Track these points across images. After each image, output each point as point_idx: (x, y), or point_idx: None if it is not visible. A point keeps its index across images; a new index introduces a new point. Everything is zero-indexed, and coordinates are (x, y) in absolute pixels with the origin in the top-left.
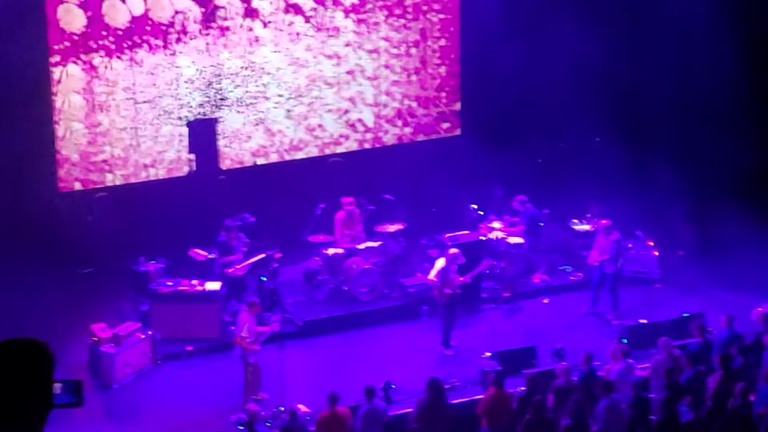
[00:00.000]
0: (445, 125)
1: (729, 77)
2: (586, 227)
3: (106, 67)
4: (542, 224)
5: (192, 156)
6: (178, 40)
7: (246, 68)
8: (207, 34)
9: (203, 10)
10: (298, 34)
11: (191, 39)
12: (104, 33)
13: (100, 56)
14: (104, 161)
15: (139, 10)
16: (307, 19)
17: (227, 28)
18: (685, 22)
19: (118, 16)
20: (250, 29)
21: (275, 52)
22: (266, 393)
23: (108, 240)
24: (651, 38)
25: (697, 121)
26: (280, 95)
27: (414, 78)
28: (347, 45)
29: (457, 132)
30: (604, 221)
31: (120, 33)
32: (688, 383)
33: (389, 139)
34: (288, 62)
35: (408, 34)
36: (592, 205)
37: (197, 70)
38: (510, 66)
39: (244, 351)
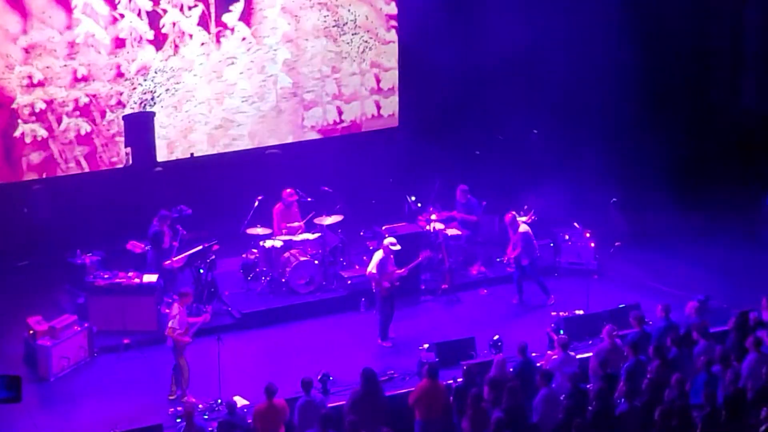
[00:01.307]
0: (383, 117)
1: (663, 71)
2: (523, 219)
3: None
4: (477, 216)
5: (128, 150)
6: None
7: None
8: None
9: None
10: (232, 29)
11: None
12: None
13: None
14: (39, 151)
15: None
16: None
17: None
18: (620, 16)
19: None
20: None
21: (205, 43)
22: (195, 391)
23: (44, 232)
24: (586, 31)
25: (633, 113)
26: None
27: (352, 69)
28: (283, 34)
29: (395, 124)
30: (507, 215)
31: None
32: (629, 373)
33: (323, 130)
34: (223, 52)
35: (346, 23)
36: (530, 197)
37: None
38: (448, 57)
39: (175, 343)
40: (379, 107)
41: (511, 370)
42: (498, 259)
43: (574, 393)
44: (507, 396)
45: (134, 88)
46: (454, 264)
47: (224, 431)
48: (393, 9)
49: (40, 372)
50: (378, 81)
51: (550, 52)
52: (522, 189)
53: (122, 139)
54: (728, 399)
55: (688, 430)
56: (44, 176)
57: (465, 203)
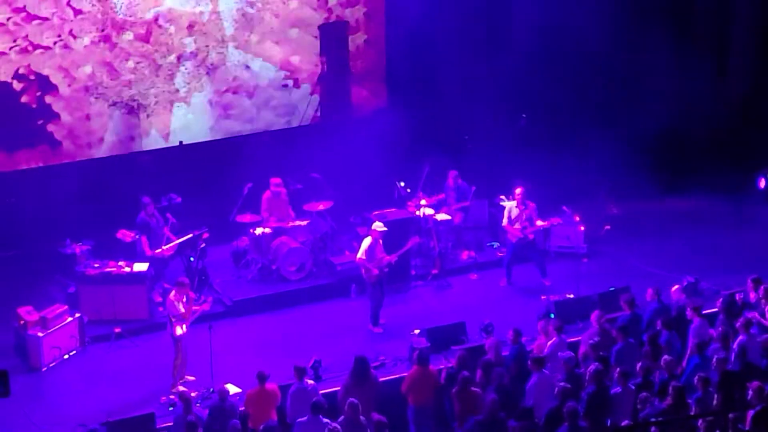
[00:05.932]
0: (372, 102)
1: (651, 52)
2: (513, 203)
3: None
4: (470, 201)
5: (114, 138)
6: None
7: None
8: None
9: None
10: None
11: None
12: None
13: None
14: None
15: None
16: None
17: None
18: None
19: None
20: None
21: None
22: (193, 375)
23: (33, 222)
24: (577, 11)
25: (623, 96)
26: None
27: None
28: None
29: (383, 105)
30: (518, 189)
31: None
32: (618, 356)
33: (313, 117)
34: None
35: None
36: (519, 181)
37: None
38: (436, 42)
39: (173, 331)
40: (368, 92)
41: (506, 355)
42: (489, 244)
43: (569, 377)
44: (495, 379)
45: (127, 80)
46: (444, 249)
47: (215, 417)
48: None
49: (31, 362)
50: (366, 66)
51: (538, 35)
52: (512, 174)
53: (111, 127)
54: (719, 381)
55: (681, 411)
56: (33, 166)
57: (455, 188)
